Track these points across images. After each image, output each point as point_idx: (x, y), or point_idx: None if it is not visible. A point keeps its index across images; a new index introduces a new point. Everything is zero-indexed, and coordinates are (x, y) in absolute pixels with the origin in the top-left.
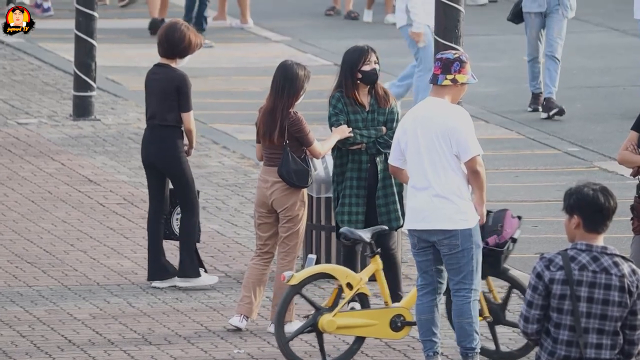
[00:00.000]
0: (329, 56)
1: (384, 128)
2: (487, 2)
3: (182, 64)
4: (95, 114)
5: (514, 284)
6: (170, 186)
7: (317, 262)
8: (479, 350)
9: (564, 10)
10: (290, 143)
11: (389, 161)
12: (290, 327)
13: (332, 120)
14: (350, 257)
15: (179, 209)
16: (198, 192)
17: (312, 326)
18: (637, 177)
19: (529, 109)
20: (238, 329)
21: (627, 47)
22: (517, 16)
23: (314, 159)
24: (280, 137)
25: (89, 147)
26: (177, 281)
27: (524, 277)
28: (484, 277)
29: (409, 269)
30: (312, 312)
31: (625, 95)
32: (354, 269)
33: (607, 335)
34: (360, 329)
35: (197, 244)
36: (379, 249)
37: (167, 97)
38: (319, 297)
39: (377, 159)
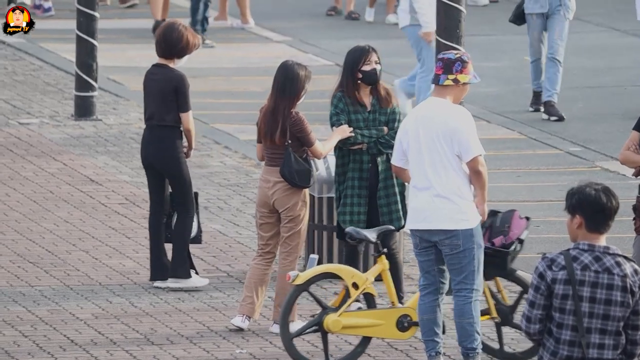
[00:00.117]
0: (329, 56)
1: (385, 128)
2: (488, 2)
3: (180, 64)
4: (96, 114)
5: (522, 285)
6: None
7: (319, 262)
8: (480, 351)
9: (566, 11)
10: (292, 143)
11: (391, 161)
12: (293, 327)
13: (333, 120)
14: (352, 257)
15: None
16: (196, 193)
17: (317, 325)
18: (639, 177)
19: (531, 109)
20: (240, 329)
21: (628, 47)
22: (519, 18)
23: (316, 159)
24: (282, 137)
25: (91, 147)
26: (168, 281)
27: (529, 277)
28: (490, 277)
29: (411, 269)
30: (318, 311)
31: (626, 95)
32: (356, 269)
33: (609, 335)
34: (366, 329)
35: (199, 245)
36: (385, 249)
37: (166, 97)
38: (321, 297)
39: (379, 159)
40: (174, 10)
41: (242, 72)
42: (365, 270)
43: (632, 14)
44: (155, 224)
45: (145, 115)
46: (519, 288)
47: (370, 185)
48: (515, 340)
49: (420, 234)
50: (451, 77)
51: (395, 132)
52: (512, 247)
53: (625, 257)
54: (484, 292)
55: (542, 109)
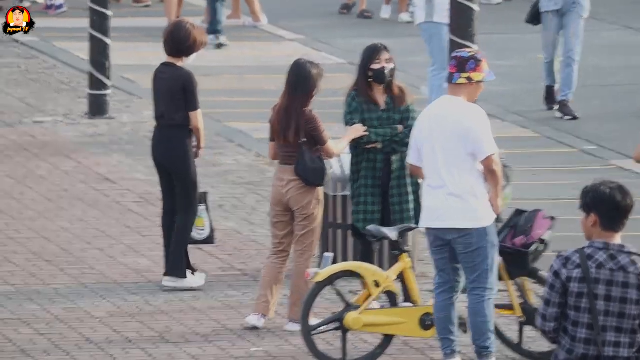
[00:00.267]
0: (342, 54)
1: (400, 127)
2: (501, 1)
3: (188, 63)
4: (110, 113)
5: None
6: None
7: (334, 260)
8: (494, 350)
9: (580, 9)
10: (306, 142)
11: (407, 160)
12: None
13: (347, 119)
14: (367, 255)
15: None
16: (206, 193)
17: (338, 321)
18: None
19: (545, 108)
20: (255, 328)
21: None
22: (535, 17)
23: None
24: (296, 136)
25: (105, 146)
26: (164, 280)
27: None
28: (513, 277)
29: (425, 267)
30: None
31: None
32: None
33: (625, 333)
34: (388, 327)
35: (212, 244)
36: (406, 247)
37: (174, 96)
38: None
39: (393, 157)
40: (188, 8)
41: (255, 70)
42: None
43: None
44: (168, 222)
45: (155, 114)
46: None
47: (383, 184)
48: (532, 339)
49: (435, 233)
50: (464, 75)
51: (410, 131)
52: (533, 248)
53: None
54: (508, 291)
55: (556, 107)
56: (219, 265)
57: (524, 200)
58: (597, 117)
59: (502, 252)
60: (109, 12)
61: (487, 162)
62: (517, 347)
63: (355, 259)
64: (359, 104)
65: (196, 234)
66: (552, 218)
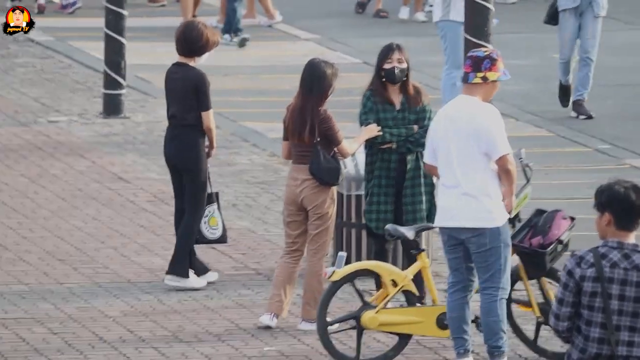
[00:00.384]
0: (358, 54)
1: (415, 127)
2: (516, 0)
3: (200, 62)
4: (125, 112)
5: None
6: None
7: (348, 259)
8: (506, 349)
9: (597, 7)
10: (321, 141)
11: (424, 159)
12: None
13: (362, 119)
14: (381, 254)
15: (206, 211)
16: (217, 193)
17: (355, 319)
18: None
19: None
20: (268, 327)
21: None
22: (553, 17)
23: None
24: (311, 136)
25: (119, 145)
26: (166, 278)
27: None
28: (532, 277)
29: (439, 266)
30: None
31: None
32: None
33: (638, 333)
34: (405, 327)
35: (225, 244)
36: (424, 247)
37: (186, 96)
38: (349, 295)
39: (408, 157)
40: (203, 8)
41: (270, 70)
42: None
43: None
44: (180, 221)
45: (167, 114)
46: None
47: (397, 184)
48: (544, 338)
49: (449, 232)
50: (480, 74)
51: (426, 131)
52: (551, 248)
53: None
54: (526, 291)
55: (572, 107)
56: (232, 264)
57: (539, 200)
58: (612, 116)
59: (520, 252)
60: (125, 12)
61: (502, 162)
62: (531, 344)
63: (369, 259)
64: (374, 103)
65: (209, 233)
66: (572, 218)
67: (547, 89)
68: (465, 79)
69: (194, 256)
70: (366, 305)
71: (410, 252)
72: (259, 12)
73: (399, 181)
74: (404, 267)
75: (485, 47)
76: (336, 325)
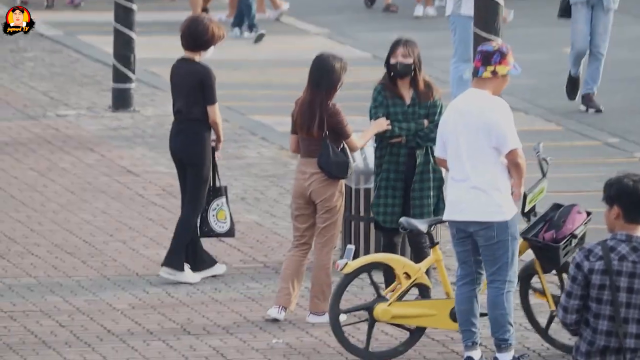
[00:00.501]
0: (367, 48)
1: (425, 121)
2: None
3: (206, 57)
4: (134, 106)
5: None
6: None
7: (356, 253)
8: (513, 342)
9: (607, 1)
10: (330, 135)
11: (435, 153)
12: (328, 317)
13: (372, 112)
14: (390, 248)
15: (214, 204)
16: (226, 187)
17: (367, 310)
18: None
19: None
20: (276, 320)
21: None
22: (566, 11)
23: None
24: (319, 130)
25: (128, 139)
26: (161, 270)
27: None
28: (546, 271)
29: (448, 259)
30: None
31: None
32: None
33: None
34: (418, 319)
35: (232, 237)
36: (438, 240)
37: (192, 91)
38: (357, 287)
39: (417, 152)
40: (214, 3)
41: (279, 64)
42: None
43: None
44: None
45: (173, 110)
46: None
47: (406, 178)
48: (554, 330)
49: (457, 225)
50: (490, 68)
51: (436, 125)
52: (564, 242)
53: None
54: (541, 284)
55: (582, 101)
56: (240, 257)
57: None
58: (621, 110)
59: (533, 246)
60: (134, 6)
61: (512, 156)
62: (542, 332)
63: (377, 252)
64: (384, 97)
65: (217, 226)
66: (589, 213)
67: (557, 83)
68: (475, 73)
69: (199, 249)
70: (380, 298)
71: (421, 244)
72: (269, 6)
73: (408, 175)
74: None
75: (495, 41)
76: (345, 317)
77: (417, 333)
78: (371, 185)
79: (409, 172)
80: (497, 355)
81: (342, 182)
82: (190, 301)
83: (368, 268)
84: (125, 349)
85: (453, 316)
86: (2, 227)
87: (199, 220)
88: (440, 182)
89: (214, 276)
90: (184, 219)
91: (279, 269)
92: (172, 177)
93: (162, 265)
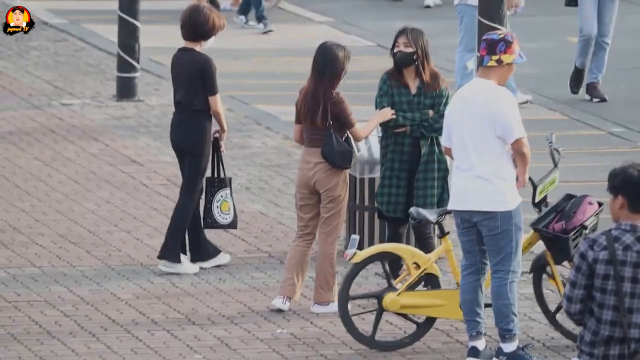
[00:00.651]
0: (371, 37)
1: (430, 111)
2: None
3: (206, 47)
4: (138, 95)
5: None
6: (208, 173)
7: (360, 243)
8: (517, 332)
9: None
10: (334, 124)
11: (441, 142)
12: (332, 307)
13: (377, 101)
14: (395, 238)
15: (219, 196)
16: (230, 178)
17: (376, 298)
18: None
19: (572, 92)
20: (281, 311)
21: None
22: None
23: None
24: (323, 119)
25: (133, 128)
26: (160, 264)
27: None
28: (558, 262)
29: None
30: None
31: None
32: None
33: None
34: (428, 309)
35: (235, 229)
36: (448, 230)
37: (193, 81)
38: (362, 278)
39: (422, 142)
40: None
41: (284, 53)
42: None
43: None
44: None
45: (174, 100)
46: None
47: (410, 168)
48: (560, 317)
49: (462, 215)
50: (495, 57)
51: (441, 116)
52: (574, 233)
53: None
54: (553, 275)
55: (586, 90)
56: (245, 247)
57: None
58: (625, 99)
59: (543, 237)
60: None
61: (517, 145)
62: (550, 317)
63: (381, 242)
64: (390, 87)
65: (221, 218)
66: (600, 204)
67: (561, 72)
68: (480, 62)
69: (203, 240)
70: (390, 287)
71: (425, 235)
72: None
73: (412, 165)
74: None
75: (500, 30)
76: (349, 308)
77: (424, 326)
78: (376, 175)
79: (414, 162)
80: (501, 345)
81: (347, 171)
82: (195, 291)
83: (377, 258)
84: (129, 339)
85: None
86: (6, 217)
87: (202, 212)
88: (444, 173)
89: (218, 266)
90: (180, 208)
91: (284, 259)
92: (176, 167)
93: (159, 257)
